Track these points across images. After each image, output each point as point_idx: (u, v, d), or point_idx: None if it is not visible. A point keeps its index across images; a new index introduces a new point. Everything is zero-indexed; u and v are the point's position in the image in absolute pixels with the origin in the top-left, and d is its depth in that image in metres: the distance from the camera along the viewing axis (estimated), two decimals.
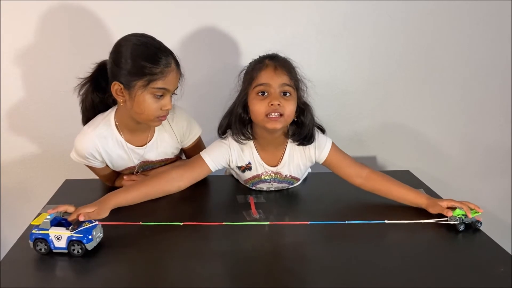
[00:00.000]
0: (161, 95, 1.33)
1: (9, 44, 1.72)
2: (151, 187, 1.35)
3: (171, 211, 1.36)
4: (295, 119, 1.38)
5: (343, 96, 1.89)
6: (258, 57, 1.38)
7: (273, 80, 1.30)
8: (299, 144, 1.42)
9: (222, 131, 1.43)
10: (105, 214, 1.21)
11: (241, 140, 1.40)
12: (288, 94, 1.32)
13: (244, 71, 1.39)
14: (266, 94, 1.31)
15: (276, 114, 1.30)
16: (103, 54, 1.66)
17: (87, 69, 1.45)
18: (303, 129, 1.39)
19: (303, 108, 1.38)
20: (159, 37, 1.37)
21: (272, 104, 1.29)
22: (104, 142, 1.43)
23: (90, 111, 1.46)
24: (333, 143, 1.45)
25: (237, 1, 1.73)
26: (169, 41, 1.70)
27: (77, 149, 1.42)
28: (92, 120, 1.45)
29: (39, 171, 1.89)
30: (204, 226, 1.26)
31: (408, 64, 1.88)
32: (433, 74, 1.90)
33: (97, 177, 1.56)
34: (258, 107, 1.32)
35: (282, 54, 1.38)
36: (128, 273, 1.07)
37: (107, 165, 1.49)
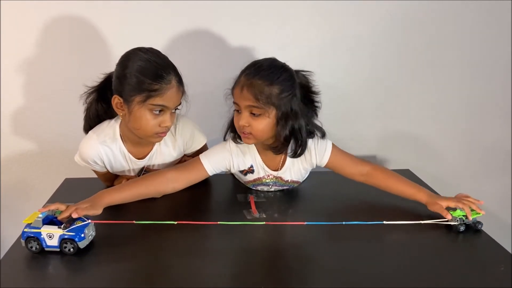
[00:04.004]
0: (160, 111, 1.32)
1: (9, 45, 1.72)
2: (146, 187, 1.34)
3: (171, 210, 1.35)
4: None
5: (343, 96, 1.87)
6: (250, 63, 1.35)
7: (240, 101, 1.29)
8: (291, 157, 1.40)
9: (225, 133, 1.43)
10: (98, 212, 1.20)
11: (239, 142, 1.39)
12: (256, 114, 1.29)
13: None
14: (239, 110, 1.31)
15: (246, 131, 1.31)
16: (101, 54, 1.71)
17: (85, 69, 1.45)
18: (285, 144, 1.35)
19: (285, 121, 1.31)
20: (158, 44, 1.36)
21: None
22: (108, 150, 1.43)
23: (93, 120, 1.46)
24: (333, 146, 1.43)
25: (237, 2, 1.72)
26: (170, 45, 1.73)
27: (81, 153, 1.43)
28: (98, 125, 1.45)
29: (39, 169, 1.89)
30: (203, 225, 1.25)
31: (409, 64, 1.86)
32: (433, 74, 1.89)
33: (97, 176, 1.56)
34: (235, 121, 1.34)
35: (278, 57, 1.35)
36: (121, 271, 1.07)
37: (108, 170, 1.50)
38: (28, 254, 1.11)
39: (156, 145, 1.47)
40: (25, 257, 1.11)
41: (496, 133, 1.99)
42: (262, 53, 1.75)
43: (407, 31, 1.81)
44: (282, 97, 1.28)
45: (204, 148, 1.54)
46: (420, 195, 1.33)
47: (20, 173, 1.89)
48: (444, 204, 1.27)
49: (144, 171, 1.51)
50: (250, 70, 1.29)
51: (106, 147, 1.42)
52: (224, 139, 1.44)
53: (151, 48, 1.35)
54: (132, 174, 1.51)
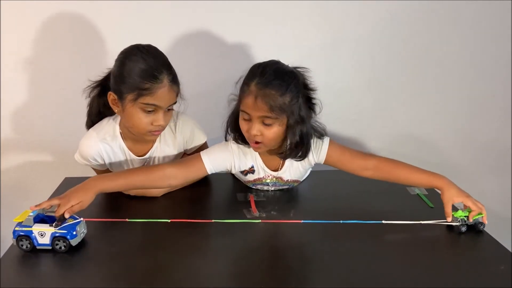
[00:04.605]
0: (152, 110, 1.31)
1: (10, 45, 1.72)
2: (142, 180, 1.32)
3: (170, 209, 1.35)
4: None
5: (343, 95, 1.87)
6: (256, 67, 1.30)
7: (253, 111, 1.26)
8: (297, 160, 1.39)
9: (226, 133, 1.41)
10: (90, 200, 1.19)
11: (240, 143, 1.38)
12: (269, 123, 1.27)
13: (242, 80, 1.32)
14: (249, 118, 1.28)
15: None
16: (101, 53, 1.71)
17: (85, 69, 1.45)
18: (293, 150, 1.34)
19: (295, 128, 1.31)
20: (158, 44, 1.35)
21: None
22: (108, 148, 1.43)
23: (95, 115, 1.46)
24: (331, 142, 1.41)
25: (237, 2, 1.72)
26: (171, 44, 1.73)
27: (81, 151, 1.43)
28: (98, 123, 1.45)
29: (39, 169, 1.89)
30: (203, 224, 1.24)
31: (409, 63, 1.86)
32: (433, 73, 1.88)
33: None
34: (243, 129, 1.31)
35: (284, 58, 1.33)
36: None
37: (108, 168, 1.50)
38: (27, 253, 1.11)
39: (156, 143, 1.46)
40: (25, 256, 1.10)
41: (497, 132, 1.98)
42: (262, 53, 1.74)
43: (407, 31, 1.81)
44: (292, 104, 1.26)
45: (204, 146, 1.53)
46: (437, 182, 1.29)
47: (20, 173, 1.89)
48: (457, 200, 1.24)
49: None
50: (261, 79, 1.25)
51: (106, 145, 1.42)
52: (226, 140, 1.43)
53: (149, 46, 1.34)
54: None
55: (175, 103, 1.35)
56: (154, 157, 1.48)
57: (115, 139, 1.42)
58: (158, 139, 1.46)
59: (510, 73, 1.89)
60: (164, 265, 1.07)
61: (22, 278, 1.06)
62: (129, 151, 1.44)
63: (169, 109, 1.35)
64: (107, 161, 1.45)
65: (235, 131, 1.37)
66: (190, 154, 1.53)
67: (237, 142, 1.39)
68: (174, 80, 1.32)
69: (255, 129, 1.26)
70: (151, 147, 1.46)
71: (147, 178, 1.32)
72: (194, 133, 1.50)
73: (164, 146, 1.47)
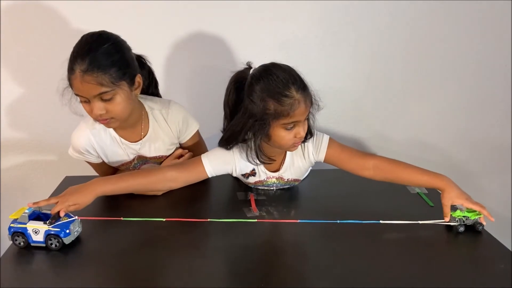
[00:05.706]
0: (85, 101, 1.29)
1: (10, 44, 1.73)
2: (142, 183, 1.31)
3: (170, 208, 1.35)
4: None
5: (343, 95, 1.87)
6: (284, 75, 1.26)
7: (303, 115, 1.26)
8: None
9: (231, 147, 1.38)
10: (88, 202, 1.18)
11: (254, 161, 1.35)
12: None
13: (258, 85, 1.25)
14: (293, 125, 1.27)
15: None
16: None
17: None
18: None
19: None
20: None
21: (299, 135, 1.28)
22: (99, 138, 1.42)
23: None
24: (330, 140, 1.40)
25: (237, 1, 1.72)
26: (171, 38, 1.75)
27: (73, 144, 1.43)
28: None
29: (39, 168, 1.90)
30: (202, 223, 1.23)
31: (408, 63, 1.86)
32: (433, 73, 1.89)
33: (97, 174, 1.55)
34: (287, 140, 1.28)
35: (286, 55, 1.37)
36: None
37: (104, 161, 1.49)
38: (27, 252, 1.11)
39: (151, 129, 1.46)
40: (25, 255, 1.10)
41: (497, 132, 1.98)
42: (262, 53, 1.73)
43: (407, 31, 1.82)
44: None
45: (199, 140, 1.54)
46: (438, 183, 1.27)
47: (20, 172, 1.90)
48: (457, 202, 1.22)
49: (137, 161, 1.49)
50: (298, 85, 1.24)
51: (96, 135, 1.42)
52: (227, 148, 1.40)
53: (89, 34, 1.31)
54: (129, 160, 1.49)
55: (108, 91, 1.26)
56: (148, 146, 1.48)
57: (104, 128, 1.41)
58: (151, 126, 1.45)
59: (510, 73, 1.89)
60: (160, 264, 1.06)
61: (22, 277, 1.06)
62: (120, 137, 1.44)
63: (104, 99, 1.28)
64: (100, 152, 1.44)
65: (259, 150, 1.33)
66: (187, 147, 1.54)
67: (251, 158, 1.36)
68: (88, 70, 1.24)
69: (303, 131, 1.28)
70: (146, 133, 1.46)
71: (147, 181, 1.32)
72: (187, 121, 1.50)
73: (158, 132, 1.47)
